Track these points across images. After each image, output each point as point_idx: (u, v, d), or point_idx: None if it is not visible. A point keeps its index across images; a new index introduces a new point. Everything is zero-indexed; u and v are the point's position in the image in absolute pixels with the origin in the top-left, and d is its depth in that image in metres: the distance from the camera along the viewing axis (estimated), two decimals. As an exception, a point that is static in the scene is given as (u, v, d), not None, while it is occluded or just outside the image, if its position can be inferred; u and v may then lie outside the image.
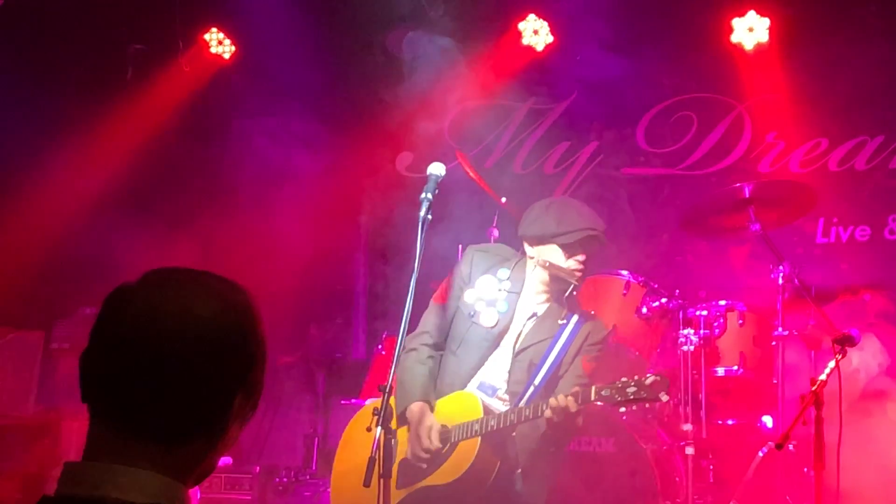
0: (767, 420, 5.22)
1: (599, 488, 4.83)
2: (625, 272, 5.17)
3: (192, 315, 1.48)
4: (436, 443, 3.73)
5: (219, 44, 7.43)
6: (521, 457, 3.87)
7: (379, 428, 3.31)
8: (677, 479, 4.88)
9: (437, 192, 3.75)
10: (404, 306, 3.52)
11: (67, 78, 7.08)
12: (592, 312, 4.12)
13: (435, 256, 4.65)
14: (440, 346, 4.04)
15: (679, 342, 5.02)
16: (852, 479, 4.50)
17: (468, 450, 3.73)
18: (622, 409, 3.78)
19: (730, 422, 5.24)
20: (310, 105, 6.96)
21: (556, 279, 3.98)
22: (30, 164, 6.73)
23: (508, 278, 3.99)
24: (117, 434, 1.47)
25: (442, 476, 3.75)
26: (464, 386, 3.91)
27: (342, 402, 6.26)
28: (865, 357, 5.21)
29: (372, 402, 4.16)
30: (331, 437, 6.50)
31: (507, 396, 3.93)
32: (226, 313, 1.51)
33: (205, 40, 7.41)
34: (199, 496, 5.63)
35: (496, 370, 3.96)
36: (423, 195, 3.68)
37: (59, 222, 6.67)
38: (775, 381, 5.12)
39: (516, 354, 3.95)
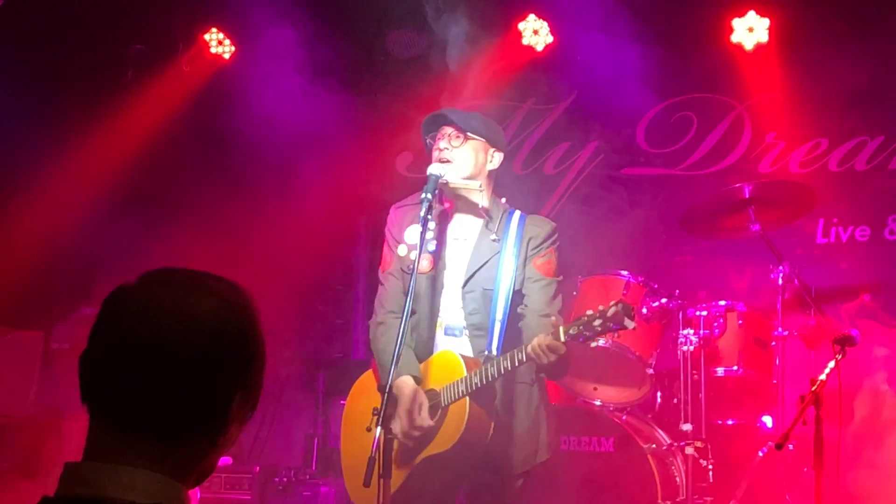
0: (767, 420, 5.22)
1: (599, 488, 4.83)
2: (625, 272, 5.16)
3: (192, 315, 1.48)
4: (427, 420, 3.64)
5: (219, 44, 7.42)
6: (501, 402, 3.79)
7: (379, 428, 3.32)
8: (677, 479, 4.88)
9: (437, 192, 3.76)
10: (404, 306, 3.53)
11: (67, 78, 7.07)
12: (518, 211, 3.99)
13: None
14: (402, 310, 3.88)
15: (679, 342, 5.02)
16: (871, 491, 4.52)
17: (459, 412, 3.67)
18: (593, 344, 3.80)
19: (730, 422, 5.24)
20: (309, 105, 6.95)
21: (460, 192, 3.82)
22: (30, 163, 6.72)
23: (428, 217, 3.85)
24: (117, 434, 1.47)
25: (440, 444, 3.68)
26: (432, 338, 3.82)
27: (342, 402, 6.21)
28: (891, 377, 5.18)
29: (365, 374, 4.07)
30: (331, 437, 6.48)
31: (467, 332, 3.84)
32: (225, 313, 1.52)
33: (205, 40, 7.40)
34: (199, 496, 5.63)
35: (452, 310, 3.87)
36: (423, 195, 3.69)
37: (59, 222, 6.67)
38: (775, 381, 5.12)
39: (464, 286, 3.85)
